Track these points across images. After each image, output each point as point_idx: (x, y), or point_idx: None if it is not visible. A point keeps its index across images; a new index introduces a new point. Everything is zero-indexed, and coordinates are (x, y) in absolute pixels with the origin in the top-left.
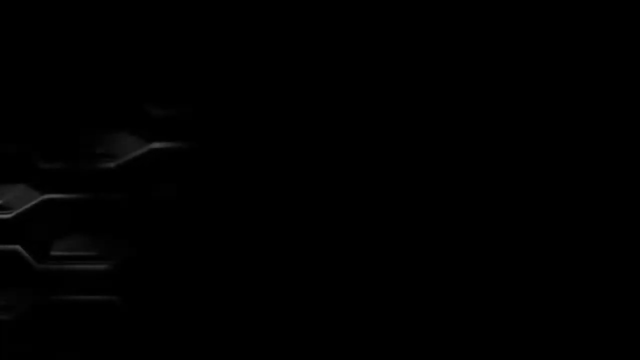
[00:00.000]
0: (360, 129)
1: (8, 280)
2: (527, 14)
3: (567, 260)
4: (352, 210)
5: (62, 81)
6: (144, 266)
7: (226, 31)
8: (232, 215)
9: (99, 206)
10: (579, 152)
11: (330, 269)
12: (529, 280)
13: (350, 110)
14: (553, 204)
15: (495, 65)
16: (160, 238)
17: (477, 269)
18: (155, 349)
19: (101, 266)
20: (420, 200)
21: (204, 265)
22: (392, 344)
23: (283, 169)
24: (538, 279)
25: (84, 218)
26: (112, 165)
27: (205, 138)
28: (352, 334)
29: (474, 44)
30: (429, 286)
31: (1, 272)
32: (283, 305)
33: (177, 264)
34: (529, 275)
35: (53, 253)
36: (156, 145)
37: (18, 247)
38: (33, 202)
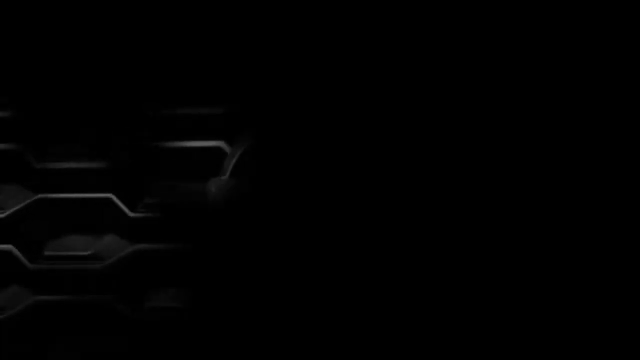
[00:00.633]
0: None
1: (1, 280)
2: (531, 14)
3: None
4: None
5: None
6: (140, 265)
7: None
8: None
9: (92, 207)
10: (582, 152)
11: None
12: (532, 279)
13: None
14: (556, 203)
15: (501, 65)
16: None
17: (487, 269)
18: (149, 348)
19: (95, 266)
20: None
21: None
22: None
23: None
24: (541, 279)
25: (78, 217)
26: (103, 165)
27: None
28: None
29: (482, 46)
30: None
31: None
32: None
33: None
34: (532, 275)
35: (46, 253)
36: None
37: (11, 247)
38: (27, 202)
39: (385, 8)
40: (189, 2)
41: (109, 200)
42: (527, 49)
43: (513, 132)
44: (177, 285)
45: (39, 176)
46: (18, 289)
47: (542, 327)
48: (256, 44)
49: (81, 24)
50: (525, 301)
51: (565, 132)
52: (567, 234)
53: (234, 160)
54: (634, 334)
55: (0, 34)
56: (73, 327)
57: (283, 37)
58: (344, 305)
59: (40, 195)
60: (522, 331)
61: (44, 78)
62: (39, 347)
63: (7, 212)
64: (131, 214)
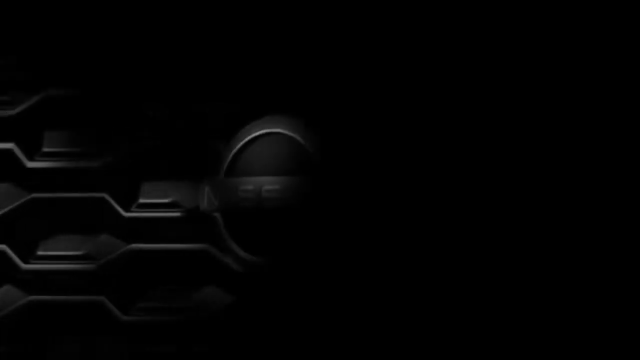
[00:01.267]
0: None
1: None
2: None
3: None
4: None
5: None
6: (134, 265)
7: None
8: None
9: (86, 206)
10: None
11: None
12: (557, 279)
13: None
14: (579, 204)
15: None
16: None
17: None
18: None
19: (89, 266)
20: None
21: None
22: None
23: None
24: (564, 279)
25: (72, 217)
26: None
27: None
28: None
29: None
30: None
31: None
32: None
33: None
34: (557, 274)
35: (40, 252)
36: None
37: (4, 247)
38: (20, 201)
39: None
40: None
41: (103, 199)
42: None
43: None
44: (172, 285)
45: (33, 175)
46: (11, 288)
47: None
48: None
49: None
50: (551, 301)
51: (588, 132)
52: (584, 234)
53: (228, 160)
54: (634, 334)
55: None
56: (67, 327)
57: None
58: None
59: (33, 195)
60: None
61: (40, 76)
62: (33, 347)
63: (0, 212)
64: (125, 214)
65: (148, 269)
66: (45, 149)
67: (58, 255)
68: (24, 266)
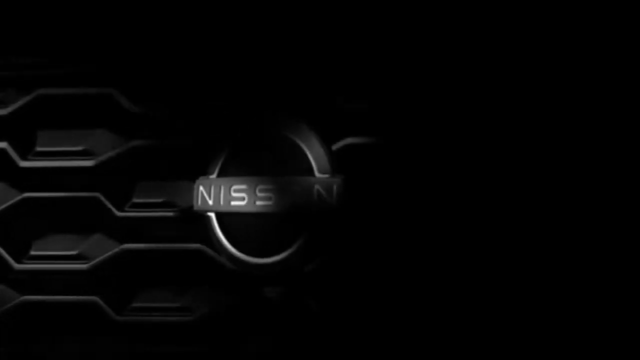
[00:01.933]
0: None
1: None
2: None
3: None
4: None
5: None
6: (127, 265)
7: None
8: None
9: (79, 206)
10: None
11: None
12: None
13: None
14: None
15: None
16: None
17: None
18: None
19: (82, 265)
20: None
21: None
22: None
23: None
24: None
25: (65, 217)
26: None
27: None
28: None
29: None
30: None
31: None
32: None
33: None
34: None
35: (33, 252)
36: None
37: None
38: (12, 201)
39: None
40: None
41: (96, 199)
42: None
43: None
44: (166, 285)
45: (26, 175)
46: (4, 289)
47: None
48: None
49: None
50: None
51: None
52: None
53: (222, 160)
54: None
55: None
56: (60, 327)
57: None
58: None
59: (26, 194)
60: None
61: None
62: (26, 347)
63: None
64: (119, 213)
65: (141, 269)
66: (38, 149)
67: (51, 255)
68: (16, 266)
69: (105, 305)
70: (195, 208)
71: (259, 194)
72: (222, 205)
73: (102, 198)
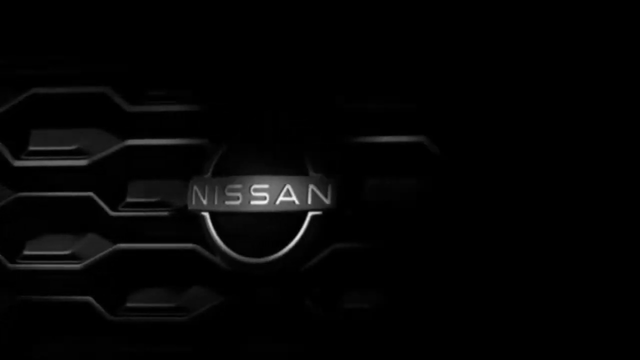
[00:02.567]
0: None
1: None
2: None
3: None
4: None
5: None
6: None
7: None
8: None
9: (73, 205)
10: None
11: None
12: None
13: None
14: None
15: None
16: None
17: None
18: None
19: (75, 265)
20: None
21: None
22: None
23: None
24: None
25: (58, 216)
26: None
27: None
28: None
29: None
30: None
31: None
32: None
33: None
34: None
35: (26, 252)
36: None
37: None
38: (5, 200)
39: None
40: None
41: (90, 198)
42: None
43: None
44: (160, 285)
45: (19, 174)
46: None
47: None
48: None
49: None
50: None
51: None
52: None
53: (216, 159)
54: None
55: None
56: (53, 327)
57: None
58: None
59: (19, 194)
60: None
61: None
62: (20, 348)
63: None
64: (112, 213)
65: (136, 269)
66: (32, 148)
67: (44, 255)
68: (10, 266)
69: (99, 306)
70: (190, 208)
71: (254, 194)
72: (217, 205)
73: (96, 197)
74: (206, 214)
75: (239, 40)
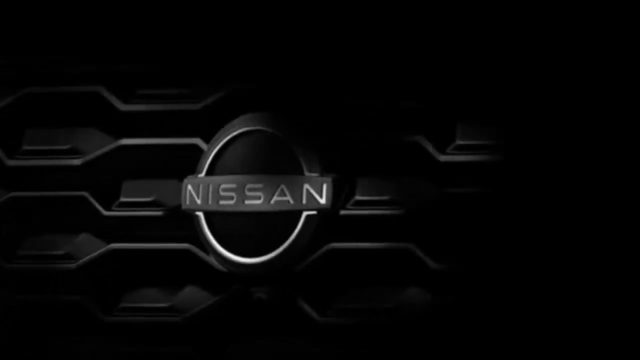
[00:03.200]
0: None
1: None
2: None
3: None
4: None
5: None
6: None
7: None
8: None
9: (66, 205)
10: None
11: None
12: None
13: None
14: None
15: None
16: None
17: None
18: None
19: (69, 265)
20: None
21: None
22: None
23: None
24: None
25: (51, 216)
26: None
27: None
28: None
29: None
30: None
31: None
32: None
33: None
34: None
35: (19, 252)
36: None
37: None
38: None
39: None
40: None
41: (83, 198)
42: None
43: None
44: (154, 285)
45: (12, 174)
46: None
47: None
48: None
49: None
50: None
51: None
52: None
53: (210, 158)
54: None
55: None
56: (47, 328)
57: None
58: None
59: (12, 194)
60: None
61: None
62: (14, 348)
63: None
64: (106, 213)
65: (129, 269)
66: (25, 147)
67: (38, 254)
68: (8, 266)
69: (93, 306)
70: (184, 207)
71: (248, 193)
72: (211, 205)
73: (89, 197)
74: (200, 214)
75: (234, 40)
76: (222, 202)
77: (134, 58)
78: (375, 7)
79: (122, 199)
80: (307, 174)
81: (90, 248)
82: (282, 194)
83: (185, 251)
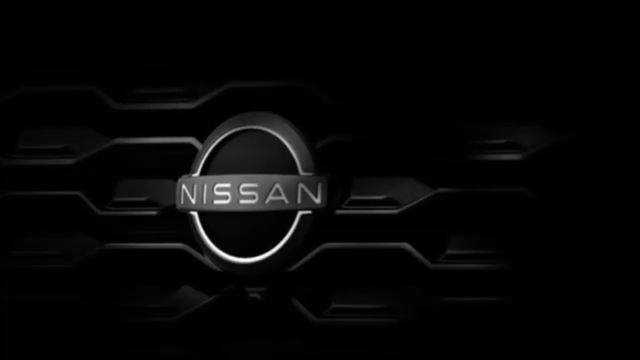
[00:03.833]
0: None
1: None
2: None
3: None
4: None
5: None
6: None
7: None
8: None
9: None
10: None
11: None
12: None
13: None
14: None
15: None
16: None
17: None
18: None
19: (64, 265)
20: None
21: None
22: None
23: None
24: None
25: (46, 216)
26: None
27: None
28: None
29: None
30: None
31: None
32: None
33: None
34: None
35: (14, 252)
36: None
37: None
38: None
39: None
40: None
41: (77, 197)
42: None
43: None
44: (148, 285)
45: (7, 173)
46: None
47: None
48: None
49: None
50: None
51: None
52: None
53: (204, 158)
54: None
55: None
56: (43, 328)
57: None
58: None
59: (7, 193)
60: None
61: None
62: (10, 349)
63: None
64: (100, 212)
65: (124, 269)
66: (20, 146)
67: (32, 255)
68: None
69: (87, 306)
70: (178, 207)
71: (243, 193)
72: (205, 204)
73: (83, 197)
74: (195, 214)
75: (228, 39)
76: (216, 202)
77: (128, 57)
78: (375, 8)
79: (116, 199)
80: (301, 173)
81: (85, 248)
82: (277, 193)
83: (180, 251)
